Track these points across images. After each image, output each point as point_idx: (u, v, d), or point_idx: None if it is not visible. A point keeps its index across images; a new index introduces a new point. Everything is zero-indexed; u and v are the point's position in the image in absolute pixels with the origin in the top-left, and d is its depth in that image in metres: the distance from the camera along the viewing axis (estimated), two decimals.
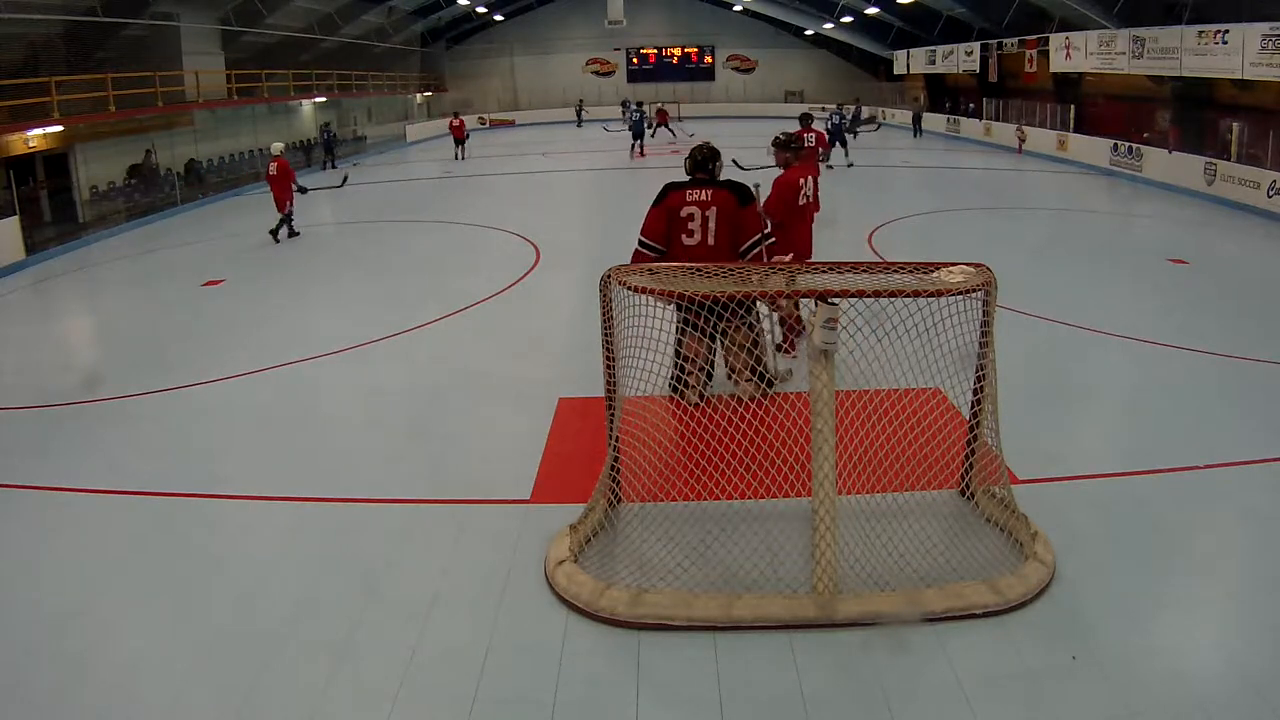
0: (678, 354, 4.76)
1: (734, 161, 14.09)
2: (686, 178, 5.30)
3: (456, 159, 23.02)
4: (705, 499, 3.95)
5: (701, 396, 5.04)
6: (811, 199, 6.22)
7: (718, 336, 5.03)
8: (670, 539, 3.64)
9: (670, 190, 5.16)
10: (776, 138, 6.38)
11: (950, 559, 3.53)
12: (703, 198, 5.07)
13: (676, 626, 3.22)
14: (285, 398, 5.94)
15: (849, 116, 20.62)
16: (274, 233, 11.96)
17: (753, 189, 5.36)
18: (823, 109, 22.41)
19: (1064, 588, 3.41)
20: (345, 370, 6.42)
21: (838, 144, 17.50)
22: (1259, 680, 2.91)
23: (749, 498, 3.90)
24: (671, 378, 5.00)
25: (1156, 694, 2.86)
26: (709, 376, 5.24)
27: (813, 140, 12.27)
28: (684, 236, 5.09)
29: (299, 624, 3.36)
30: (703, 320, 4.25)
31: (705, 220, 5.05)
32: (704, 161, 5.29)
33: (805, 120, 12.56)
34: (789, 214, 6.03)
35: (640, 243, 5.18)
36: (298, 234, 12.25)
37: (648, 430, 3.91)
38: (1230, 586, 3.55)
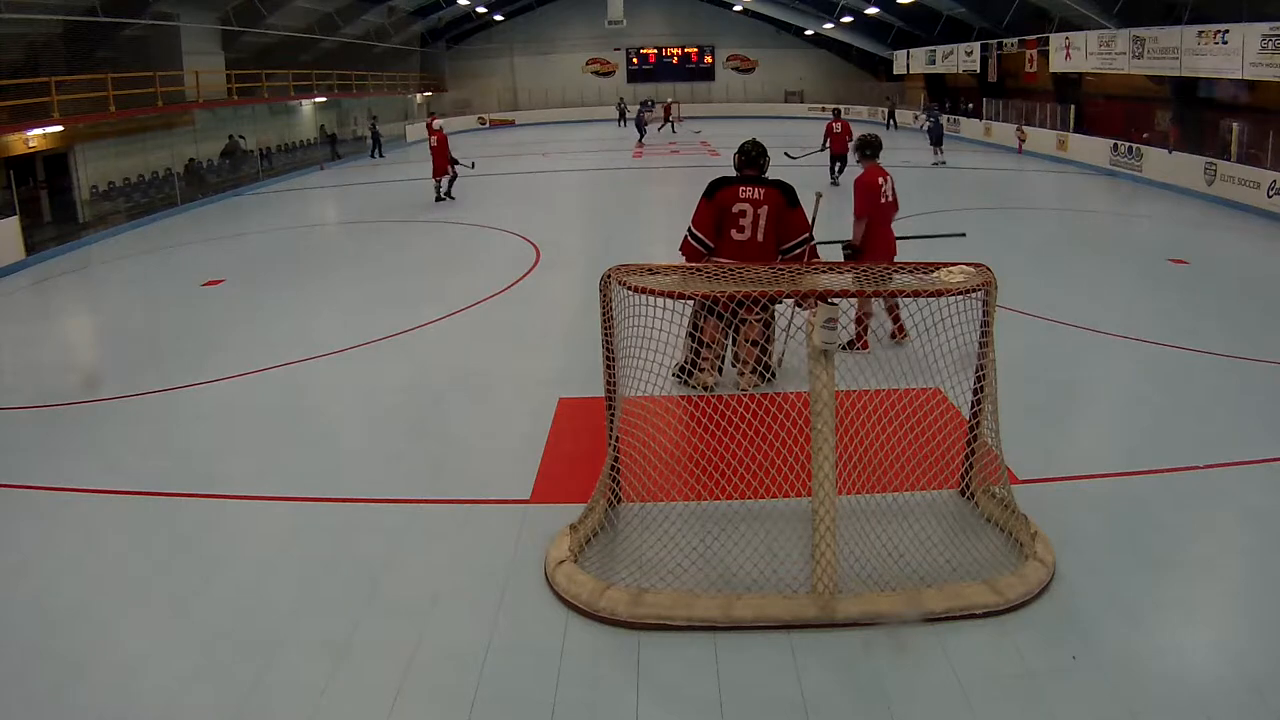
0: (692, 338, 4.85)
1: (785, 153, 16.37)
2: (734, 173, 5.42)
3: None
4: (705, 499, 3.95)
5: (714, 383, 5.13)
6: (891, 198, 6.16)
7: (735, 326, 5.11)
8: (670, 539, 3.63)
9: (721, 186, 5.28)
10: (859, 140, 6.44)
11: (950, 559, 3.53)
12: (755, 195, 5.20)
13: (676, 626, 3.22)
14: (285, 398, 5.94)
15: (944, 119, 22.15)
16: (444, 194, 14.71)
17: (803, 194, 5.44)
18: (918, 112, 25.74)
19: (1064, 588, 3.41)
20: (345, 370, 6.42)
21: (932, 143, 19.16)
22: (1259, 680, 2.91)
23: (749, 498, 3.90)
24: (683, 363, 5.08)
25: (1156, 694, 2.86)
26: (722, 364, 5.32)
27: (839, 130, 15.07)
28: (734, 232, 5.22)
29: (299, 624, 3.36)
30: (726, 307, 4.30)
31: (757, 217, 5.19)
32: (756, 158, 5.42)
33: (837, 113, 15.63)
34: (874, 213, 6.02)
35: (690, 233, 5.32)
36: (453, 198, 14.74)
37: (648, 430, 3.91)
38: (1230, 586, 3.56)
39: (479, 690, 2.96)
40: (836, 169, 15.28)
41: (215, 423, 5.53)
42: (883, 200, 6.07)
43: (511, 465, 4.63)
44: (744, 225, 5.19)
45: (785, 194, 5.23)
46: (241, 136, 21.49)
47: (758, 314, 4.48)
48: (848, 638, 3.17)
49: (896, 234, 6.33)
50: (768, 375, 5.24)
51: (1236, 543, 3.86)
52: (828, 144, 15.52)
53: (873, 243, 6.03)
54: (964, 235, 7.35)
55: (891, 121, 28.69)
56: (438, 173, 14.55)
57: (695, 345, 4.90)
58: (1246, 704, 2.81)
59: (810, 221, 5.50)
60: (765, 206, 5.17)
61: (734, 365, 5.46)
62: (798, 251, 5.23)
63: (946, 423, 4.21)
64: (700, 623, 3.22)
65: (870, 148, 6.26)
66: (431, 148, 14.56)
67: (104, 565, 3.88)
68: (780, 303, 4.74)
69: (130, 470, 4.79)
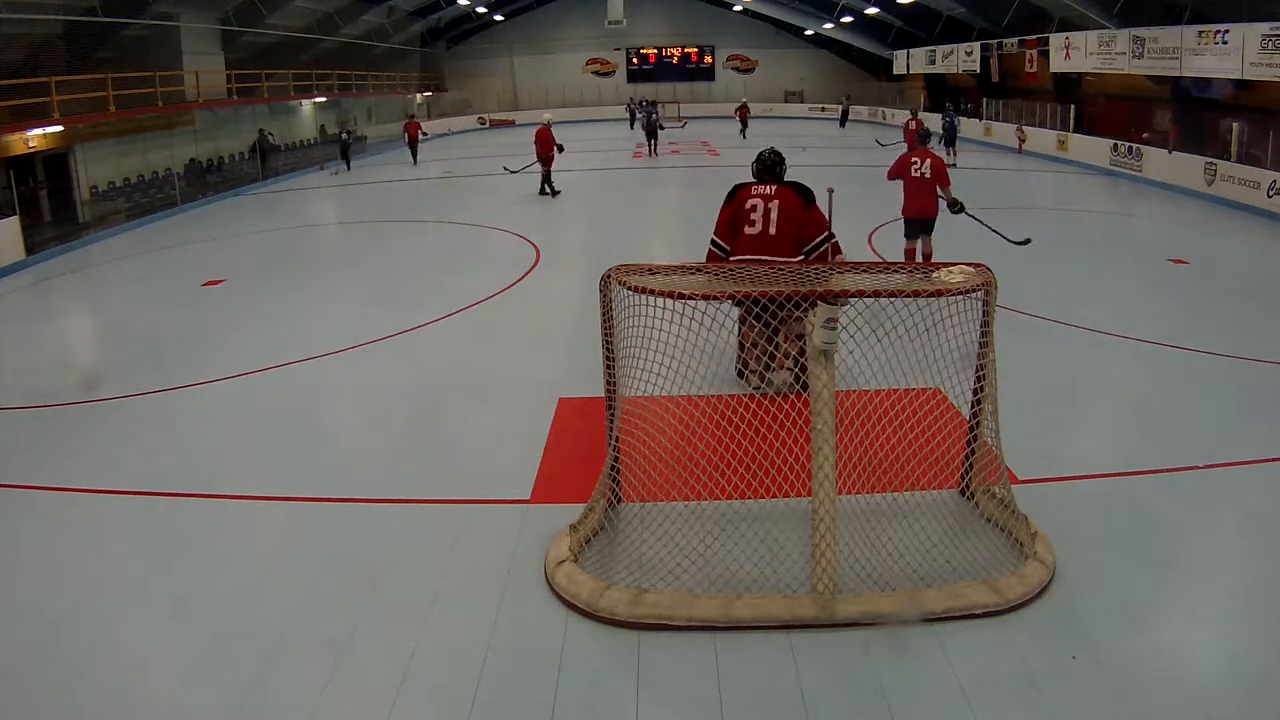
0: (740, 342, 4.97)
1: (876, 140, 20.38)
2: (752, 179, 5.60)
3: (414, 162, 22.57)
4: (705, 499, 3.95)
5: (759, 385, 5.21)
6: (928, 175, 7.89)
7: (778, 326, 5.10)
8: (670, 539, 3.64)
9: (738, 189, 5.46)
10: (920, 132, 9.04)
11: (950, 559, 3.53)
12: (767, 191, 5.37)
13: (676, 626, 3.22)
14: (285, 398, 5.94)
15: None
16: (542, 186, 15.56)
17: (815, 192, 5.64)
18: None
19: (1064, 588, 3.41)
20: (345, 370, 6.42)
21: (946, 144, 19.47)
22: (1259, 680, 2.91)
23: (749, 498, 3.90)
24: (738, 363, 5.20)
25: (1156, 694, 2.86)
26: (768, 365, 5.33)
27: (914, 127, 16.84)
28: (746, 226, 5.35)
29: (299, 624, 3.36)
30: (761, 311, 4.28)
31: (767, 211, 5.31)
32: (773, 165, 5.59)
33: (913, 112, 18.90)
34: (905, 181, 7.99)
35: (712, 242, 5.51)
36: (559, 192, 15.37)
37: (648, 430, 3.91)
38: (1230, 586, 3.56)
39: (479, 690, 2.96)
40: None
41: (215, 423, 5.53)
42: (913, 174, 7.92)
43: (511, 465, 4.63)
44: (755, 219, 5.32)
45: (801, 194, 5.36)
46: (270, 132, 21.48)
47: (796, 313, 4.46)
48: (848, 638, 3.17)
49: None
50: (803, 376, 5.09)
51: (1236, 543, 3.86)
52: (905, 139, 17.59)
53: (905, 202, 8.08)
54: (1028, 242, 8.61)
55: (844, 120, 30.56)
56: (542, 163, 15.43)
57: (741, 347, 4.99)
58: (1246, 704, 2.81)
59: (828, 218, 5.51)
60: (776, 201, 5.30)
61: (771, 362, 5.38)
62: (822, 250, 5.33)
63: (946, 423, 4.20)
64: (700, 623, 3.22)
65: (921, 138, 8.71)
66: (535, 139, 15.42)
67: (104, 565, 3.88)
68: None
69: (130, 470, 4.79)
